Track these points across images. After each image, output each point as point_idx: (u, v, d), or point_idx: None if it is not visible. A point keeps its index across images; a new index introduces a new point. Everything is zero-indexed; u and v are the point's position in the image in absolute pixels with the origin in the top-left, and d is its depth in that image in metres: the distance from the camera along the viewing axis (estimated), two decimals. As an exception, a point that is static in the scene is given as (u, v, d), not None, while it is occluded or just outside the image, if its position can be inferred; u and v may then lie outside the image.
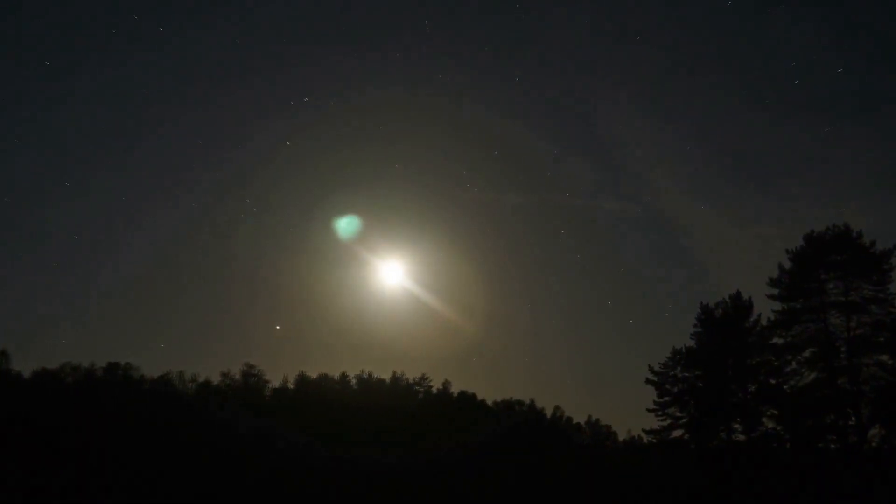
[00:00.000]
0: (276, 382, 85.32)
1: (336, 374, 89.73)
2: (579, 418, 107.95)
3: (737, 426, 57.76)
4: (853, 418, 51.45)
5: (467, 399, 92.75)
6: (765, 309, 59.70)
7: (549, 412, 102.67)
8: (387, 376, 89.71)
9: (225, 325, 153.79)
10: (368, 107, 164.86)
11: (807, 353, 54.19)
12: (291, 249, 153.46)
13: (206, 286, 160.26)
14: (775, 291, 56.10)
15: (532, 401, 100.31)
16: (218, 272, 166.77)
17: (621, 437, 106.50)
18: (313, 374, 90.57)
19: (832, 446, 52.66)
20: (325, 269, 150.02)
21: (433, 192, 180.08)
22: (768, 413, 56.27)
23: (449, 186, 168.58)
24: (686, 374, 61.11)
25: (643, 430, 63.69)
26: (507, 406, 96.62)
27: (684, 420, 60.18)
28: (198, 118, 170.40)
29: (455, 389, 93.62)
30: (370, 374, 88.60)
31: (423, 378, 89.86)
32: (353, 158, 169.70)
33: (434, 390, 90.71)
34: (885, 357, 51.93)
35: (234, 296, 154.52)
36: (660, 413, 61.25)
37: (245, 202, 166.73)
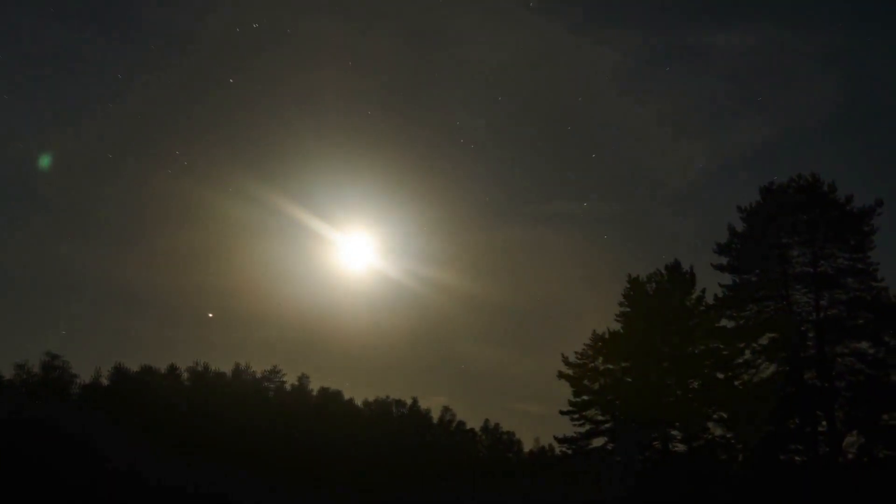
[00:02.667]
0: (86, 377, 69.23)
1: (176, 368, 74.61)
2: (474, 423, 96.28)
3: (675, 433, 50.79)
4: (824, 423, 45.35)
5: (330, 398, 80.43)
6: (711, 283, 51.77)
7: (436, 415, 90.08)
8: (229, 368, 76.18)
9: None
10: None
11: (764, 340, 47.33)
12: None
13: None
14: (724, 261, 49.09)
15: (415, 400, 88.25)
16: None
17: (528, 446, 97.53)
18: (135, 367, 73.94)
19: (797, 459, 46.27)
20: (266, 247, 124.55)
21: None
22: (715, 416, 49.21)
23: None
24: (610, 367, 53.14)
25: (555, 438, 54.68)
26: (382, 407, 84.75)
27: (608, 425, 52.42)
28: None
29: (315, 386, 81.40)
30: (206, 367, 74.33)
31: (275, 371, 76.51)
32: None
33: (288, 387, 77.76)
34: (864, 345, 45.42)
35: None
36: (576, 416, 52.89)
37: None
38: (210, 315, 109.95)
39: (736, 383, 48.06)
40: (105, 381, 68.55)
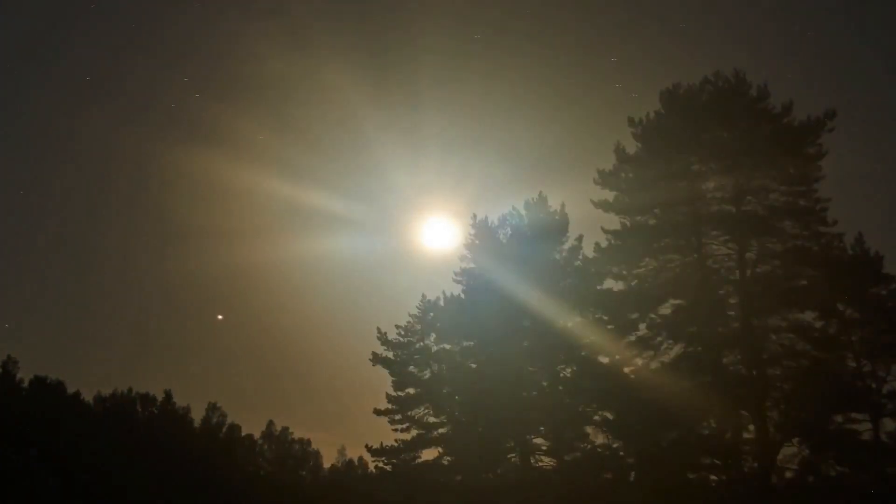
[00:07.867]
0: None
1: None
2: (254, 427, 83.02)
3: (539, 441, 41.32)
4: (751, 427, 37.37)
5: (47, 391, 62.61)
6: (591, 228, 42.63)
7: (198, 415, 74.93)
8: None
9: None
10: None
11: (667, 309, 39.01)
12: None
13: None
14: (610, 196, 40.10)
15: (168, 395, 70.17)
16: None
17: (329, 460, 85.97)
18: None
19: (713, 478, 38.18)
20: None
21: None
22: (596, 418, 40.25)
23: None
24: (446, 347, 43.57)
25: (368, 449, 43.32)
26: (120, 403, 68.37)
27: (443, 430, 42.59)
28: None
29: (26, 375, 63.66)
30: None
31: (-30, 354, 60.23)
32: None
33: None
34: (808, 316, 37.30)
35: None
36: (398, 417, 42.70)
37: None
38: (220, 317, 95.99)
39: (626, 370, 39.61)
40: None
